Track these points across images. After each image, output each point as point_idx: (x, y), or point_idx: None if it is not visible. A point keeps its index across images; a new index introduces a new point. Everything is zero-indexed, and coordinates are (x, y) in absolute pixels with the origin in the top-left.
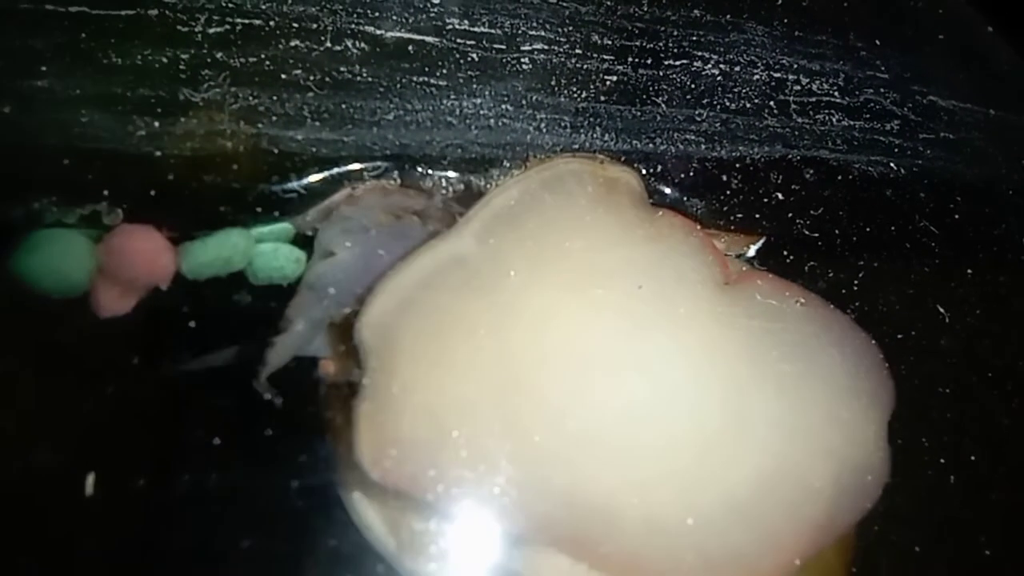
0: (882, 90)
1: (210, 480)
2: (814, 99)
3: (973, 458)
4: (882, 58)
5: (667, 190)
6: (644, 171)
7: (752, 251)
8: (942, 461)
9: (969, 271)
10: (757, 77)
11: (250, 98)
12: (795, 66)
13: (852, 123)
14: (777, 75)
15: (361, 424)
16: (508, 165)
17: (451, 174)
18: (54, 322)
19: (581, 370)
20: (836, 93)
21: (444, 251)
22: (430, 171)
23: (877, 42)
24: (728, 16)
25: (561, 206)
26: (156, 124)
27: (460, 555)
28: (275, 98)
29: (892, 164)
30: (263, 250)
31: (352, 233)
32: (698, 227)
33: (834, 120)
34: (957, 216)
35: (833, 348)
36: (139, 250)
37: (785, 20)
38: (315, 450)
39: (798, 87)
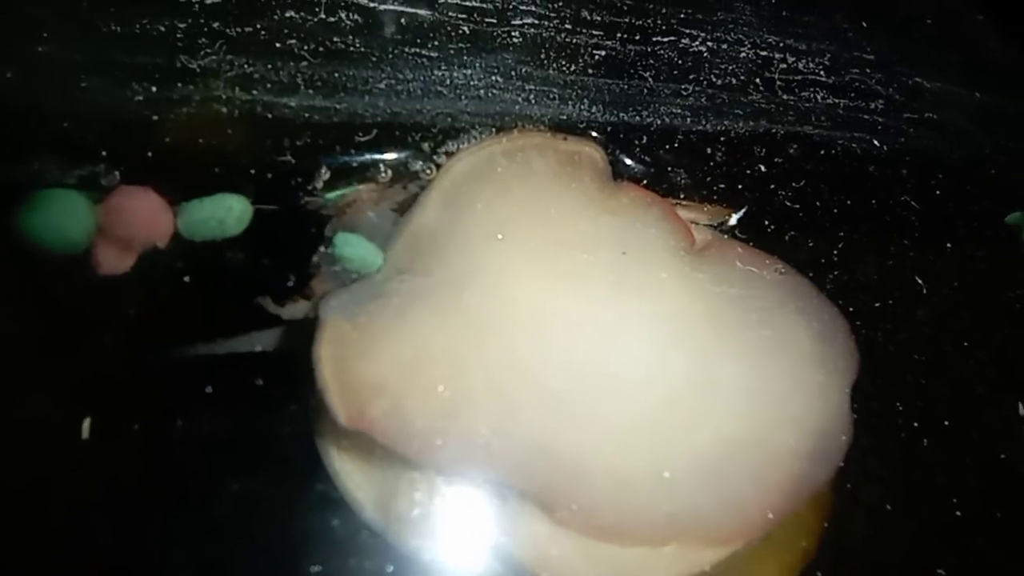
0: (868, 70)
1: (201, 426)
2: (800, 77)
3: (946, 423)
4: (869, 40)
5: (649, 160)
6: (635, 143)
7: (734, 220)
8: (915, 425)
9: (948, 245)
10: (744, 55)
11: (245, 66)
12: (782, 45)
13: (837, 101)
14: (764, 53)
15: (329, 372)
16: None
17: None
18: (55, 278)
19: (546, 334)
20: (822, 72)
21: (411, 224)
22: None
23: (864, 24)
24: None
25: (521, 176)
26: (154, 90)
27: (437, 510)
28: (270, 66)
29: (875, 141)
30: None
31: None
32: (660, 199)
33: (819, 98)
34: (938, 192)
35: (799, 316)
36: (137, 210)
37: (773, 0)
38: (304, 400)
39: (784, 65)
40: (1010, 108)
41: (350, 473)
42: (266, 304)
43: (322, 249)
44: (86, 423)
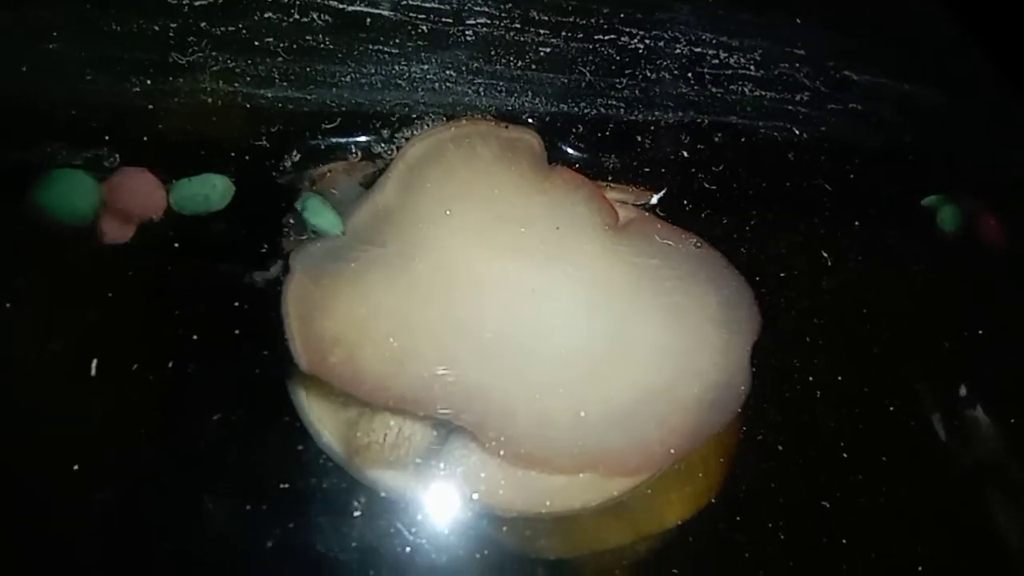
0: (797, 65)
1: (189, 368)
2: (729, 71)
3: (840, 378)
4: (803, 36)
5: (583, 147)
6: (572, 131)
7: (655, 200)
8: (810, 379)
9: (856, 223)
10: (678, 51)
11: (228, 62)
12: (715, 41)
13: (763, 93)
14: (697, 50)
15: (295, 324)
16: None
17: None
18: (65, 246)
19: (483, 295)
20: (752, 67)
21: (371, 202)
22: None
23: (799, 20)
24: None
25: (466, 160)
26: (149, 82)
27: (387, 441)
28: (249, 62)
29: (796, 130)
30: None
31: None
32: (588, 181)
33: (746, 90)
34: (852, 176)
35: (709, 284)
36: (135, 188)
37: (710, 0)
38: (275, 347)
39: (716, 61)
40: (937, 97)
41: (314, 408)
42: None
43: (292, 216)
44: (94, 363)
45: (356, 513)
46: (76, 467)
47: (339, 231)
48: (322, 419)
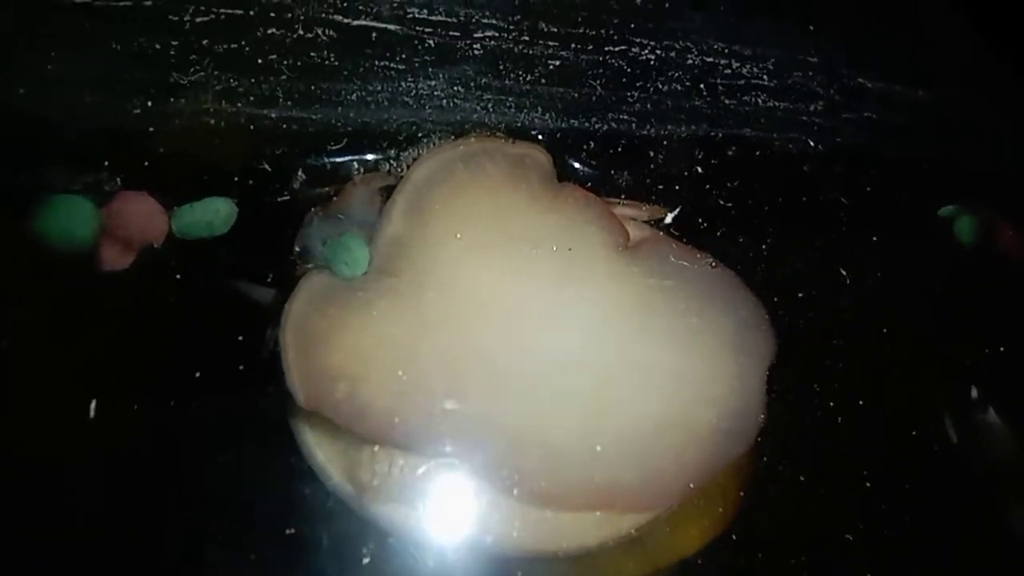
0: (810, 73)
1: (191, 406)
2: (743, 82)
3: (860, 403)
4: (816, 43)
5: (594, 163)
6: (583, 147)
7: (669, 219)
8: (831, 404)
9: (874, 238)
10: (690, 61)
11: (231, 81)
12: (727, 51)
13: (777, 104)
14: (709, 60)
15: (292, 357)
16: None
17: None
18: (65, 273)
19: (494, 322)
20: (765, 76)
21: (382, 234)
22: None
23: (812, 28)
24: (667, 4)
25: (475, 179)
26: (150, 104)
27: (396, 479)
28: (252, 81)
29: (811, 141)
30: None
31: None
32: (597, 199)
33: (759, 101)
34: (868, 188)
35: (723, 306)
36: (136, 213)
37: (722, 8)
38: (280, 383)
39: (728, 71)
40: (952, 104)
41: (320, 447)
42: (250, 290)
43: (313, 246)
44: (93, 403)
45: (365, 560)
46: (67, 515)
47: (364, 271)
48: (330, 459)
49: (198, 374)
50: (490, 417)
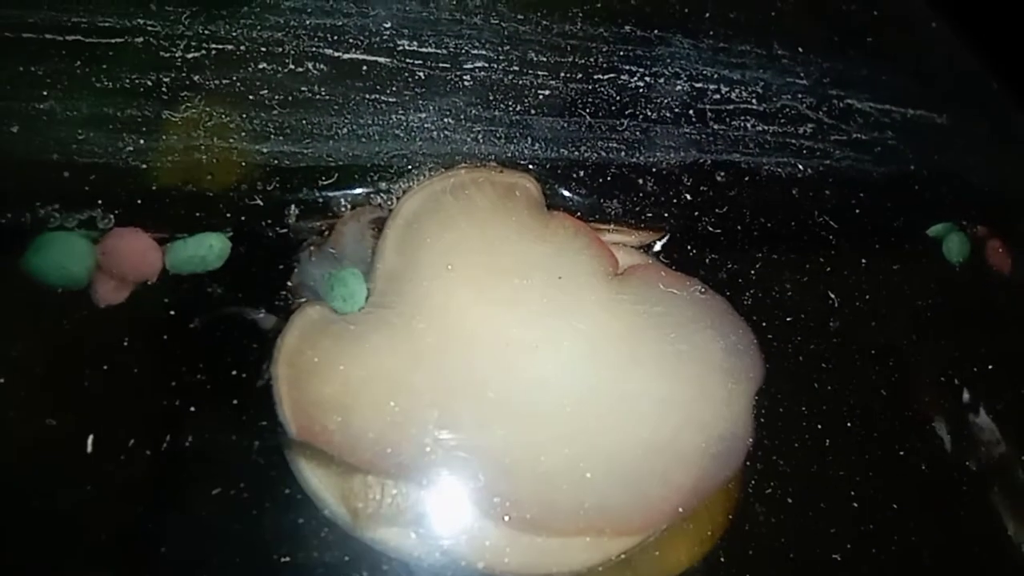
0: (799, 95)
1: (187, 440)
2: (731, 107)
3: (849, 425)
4: (803, 64)
5: (584, 192)
6: (573, 176)
7: (658, 247)
8: (819, 426)
9: (863, 260)
10: (679, 87)
11: (222, 116)
12: (716, 76)
13: (766, 128)
14: (698, 85)
15: (284, 389)
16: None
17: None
18: (59, 311)
19: (484, 352)
20: (754, 100)
21: (375, 268)
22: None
23: (800, 49)
24: (656, 31)
25: (464, 210)
26: (142, 141)
27: (389, 507)
28: (244, 116)
29: (800, 165)
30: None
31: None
32: (586, 227)
33: (749, 126)
34: (858, 211)
35: (712, 332)
36: (130, 250)
37: (711, 32)
38: (273, 415)
39: (717, 96)
40: (942, 122)
41: (314, 474)
42: (253, 316)
43: (309, 283)
44: (90, 439)
45: None
46: (65, 548)
47: (361, 307)
48: (324, 486)
49: (193, 408)
50: (481, 445)
